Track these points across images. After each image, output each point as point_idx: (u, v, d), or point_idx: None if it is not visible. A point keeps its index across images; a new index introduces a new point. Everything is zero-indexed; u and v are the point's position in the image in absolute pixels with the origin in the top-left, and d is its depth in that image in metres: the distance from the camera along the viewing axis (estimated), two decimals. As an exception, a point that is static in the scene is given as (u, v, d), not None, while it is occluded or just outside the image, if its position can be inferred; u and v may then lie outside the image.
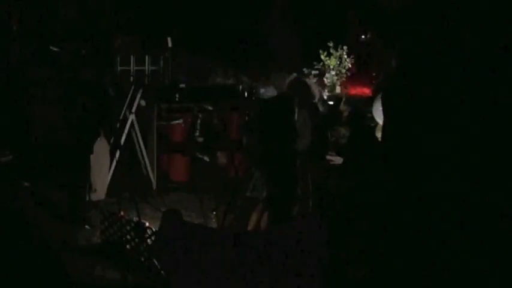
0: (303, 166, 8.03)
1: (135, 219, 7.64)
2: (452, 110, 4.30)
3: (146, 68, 10.07)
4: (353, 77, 15.34)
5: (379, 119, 10.07)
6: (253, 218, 8.09)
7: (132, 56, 9.99)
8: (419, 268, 4.52)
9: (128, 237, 7.59)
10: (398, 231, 4.69)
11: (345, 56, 14.77)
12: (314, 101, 8.40)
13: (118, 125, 9.79)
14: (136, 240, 7.48)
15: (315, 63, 14.74)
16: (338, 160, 9.04)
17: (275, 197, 7.69)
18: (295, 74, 8.32)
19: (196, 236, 5.30)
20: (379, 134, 8.33)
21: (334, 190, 8.51)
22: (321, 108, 10.32)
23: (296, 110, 7.76)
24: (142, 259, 7.40)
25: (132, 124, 9.99)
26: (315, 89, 8.40)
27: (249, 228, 8.00)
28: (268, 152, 7.73)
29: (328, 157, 9.44)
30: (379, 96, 7.20)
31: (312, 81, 8.80)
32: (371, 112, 10.65)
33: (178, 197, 10.01)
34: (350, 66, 14.88)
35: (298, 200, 7.88)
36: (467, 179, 4.24)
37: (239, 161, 9.57)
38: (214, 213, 8.92)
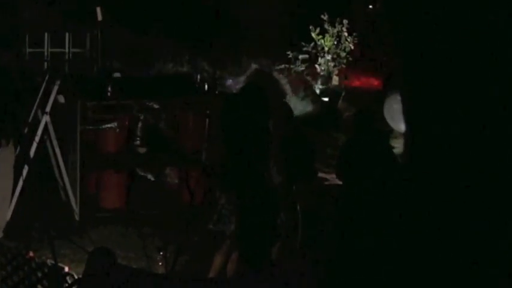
0: (286, 188, 8.05)
1: (50, 262, 7.60)
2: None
3: (66, 50, 10.06)
4: (356, 62, 15.43)
5: (394, 121, 10.13)
6: (217, 260, 8.09)
7: (46, 34, 9.97)
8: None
9: (40, 287, 7.55)
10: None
11: (345, 34, 14.87)
12: (284, 100, 8.49)
13: (26, 130, 9.73)
14: (52, 291, 7.46)
15: (303, 44, 14.80)
16: (335, 179, 9.09)
17: (247, 231, 7.69)
18: (255, 66, 8.39)
19: (136, 285, 5.29)
20: (396, 144, 8.39)
21: (330, 221, 8.53)
22: (309, 108, 10.33)
23: None
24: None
25: (45, 129, 9.94)
26: (284, 85, 8.51)
27: (211, 274, 8.00)
28: (238, 169, 7.74)
29: (321, 175, 9.47)
30: (394, 89, 7.22)
31: (279, 75, 8.92)
32: (381, 112, 10.69)
33: (110, 232, 9.99)
34: (352, 47, 14.98)
35: (280, 236, 7.89)
36: None
37: (196, 181, 9.55)
38: (161, 253, 8.90)
